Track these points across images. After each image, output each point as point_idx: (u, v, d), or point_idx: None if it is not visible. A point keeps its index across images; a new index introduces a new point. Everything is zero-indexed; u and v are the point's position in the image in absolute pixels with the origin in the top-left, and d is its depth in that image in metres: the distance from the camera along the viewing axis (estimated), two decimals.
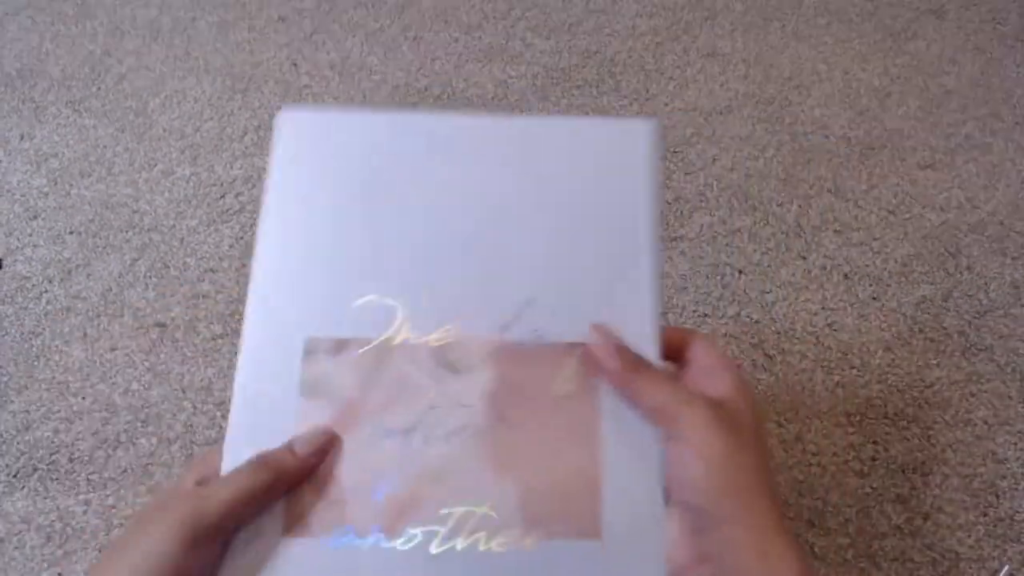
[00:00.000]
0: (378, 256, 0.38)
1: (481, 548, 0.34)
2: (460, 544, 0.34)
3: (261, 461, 0.33)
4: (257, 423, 0.35)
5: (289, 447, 0.34)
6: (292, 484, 0.33)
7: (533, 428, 0.36)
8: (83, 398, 0.62)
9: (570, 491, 0.35)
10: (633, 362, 0.34)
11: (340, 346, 0.37)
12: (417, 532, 0.34)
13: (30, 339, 0.65)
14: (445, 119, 0.42)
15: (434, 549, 0.34)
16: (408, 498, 0.35)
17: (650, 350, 0.36)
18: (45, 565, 0.55)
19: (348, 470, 0.35)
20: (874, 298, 0.68)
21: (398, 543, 0.34)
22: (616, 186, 0.40)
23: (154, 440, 0.60)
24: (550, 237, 0.39)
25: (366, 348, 0.37)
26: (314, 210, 0.39)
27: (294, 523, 0.34)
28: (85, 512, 0.57)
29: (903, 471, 0.60)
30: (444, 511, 0.35)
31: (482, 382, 0.36)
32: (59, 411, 0.62)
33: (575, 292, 0.38)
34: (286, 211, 0.39)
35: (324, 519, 0.34)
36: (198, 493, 0.32)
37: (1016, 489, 0.59)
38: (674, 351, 0.37)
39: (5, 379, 0.63)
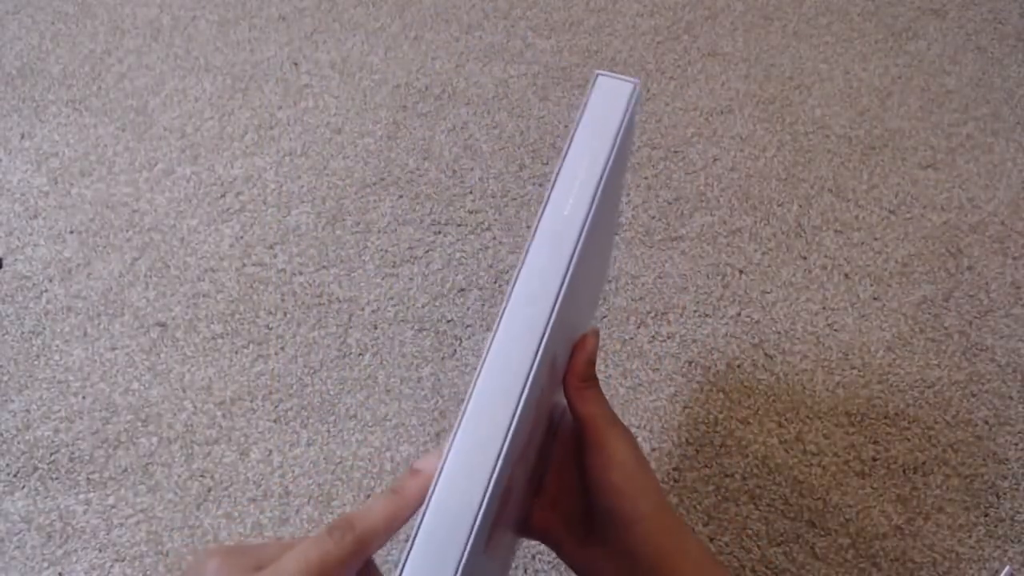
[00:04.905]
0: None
1: None
2: None
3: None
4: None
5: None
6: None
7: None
8: (83, 398, 0.62)
9: None
10: (589, 377, 0.40)
11: None
12: None
13: (30, 339, 0.65)
14: None
15: None
16: None
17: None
18: (45, 565, 0.55)
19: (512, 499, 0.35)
20: (875, 298, 0.68)
21: None
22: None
23: (154, 440, 0.60)
24: None
25: None
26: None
27: (488, 544, 0.33)
28: (85, 512, 0.57)
29: (903, 471, 0.60)
30: None
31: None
32: (59, 411, 0.62)
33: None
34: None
35: (497, 541, 0.36)
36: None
37: (1017, 489, 0.59)
38: None
39: (5, 379, 0.63)
